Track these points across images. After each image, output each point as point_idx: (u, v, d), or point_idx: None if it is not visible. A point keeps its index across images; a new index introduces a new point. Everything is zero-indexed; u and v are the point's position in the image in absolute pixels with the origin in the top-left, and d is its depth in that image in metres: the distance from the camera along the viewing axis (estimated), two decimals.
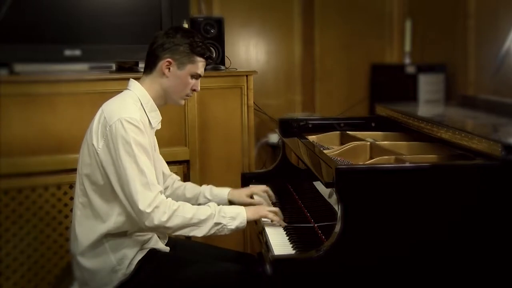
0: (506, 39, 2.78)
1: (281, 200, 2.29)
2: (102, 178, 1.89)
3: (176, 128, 2.80)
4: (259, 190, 2.28)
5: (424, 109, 2.97)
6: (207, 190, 2.22)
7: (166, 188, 2.22)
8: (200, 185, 2.27)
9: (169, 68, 1.97)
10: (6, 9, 2.48)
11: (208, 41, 2.76)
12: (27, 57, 2.57)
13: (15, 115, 2.48)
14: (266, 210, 2.02)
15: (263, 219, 2.05)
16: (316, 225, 1.97)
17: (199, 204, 2.14)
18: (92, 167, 1.90)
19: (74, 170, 2.05)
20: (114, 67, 2.75)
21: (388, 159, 1.97)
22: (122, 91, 2.02)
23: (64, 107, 2.56)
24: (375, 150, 2.20)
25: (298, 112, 3.74)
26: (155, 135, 2.08)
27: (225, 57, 3.01)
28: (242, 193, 2.24)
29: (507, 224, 1.68)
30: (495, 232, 1.68)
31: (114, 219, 1.90)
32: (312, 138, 2.47)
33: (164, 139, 2.38)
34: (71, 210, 2.40)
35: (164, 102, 2.04)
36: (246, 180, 2.59)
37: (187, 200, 2.18)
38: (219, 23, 2.99)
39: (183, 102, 2.07)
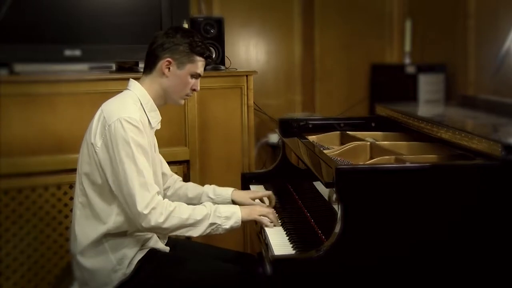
0: (506, 39, 2.78)
1: (281, 200, 2.29)
2: (101, 177, 1.89)
3: (176, 128, 2.80)
4: (262, 195, 2.23)
5: (424, 109, 2.97)
6: (210, 189, 2.22)
7: (167, 188, 2.22)
8: (201, 185, 2.27)
9: (169, 68, 1.97)
10: (6, 9, 2.48)
11: (208, 41, 2.76)
12: (27, 57, 2.57)
13: (15, 115, 2.48)
14: (259, 213, 2.01)
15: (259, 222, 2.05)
16: (316, 225, 1.97)
17: (195, 206, 2.15)
18: (91, 167, 1.91)
19: (74, 170, 2.05)
20: (114, 67, 2.75)
21: (388, 159, 1.97)
22: (122, 91, 2.03)
23: (64, 107, 2.56)
24: (375, 150, 2.20)
25: (298, 112, 3.74)
26: (155, 135, 2.08)
27: (225, 57, 3.01)
28: (245, 195, 2.21)
29: (507, 224, 1.68)
30: (495, 232, 1.68)
31: (113, 218, 1.90)
32: (312, 138, 2.47)
33: (164, 139, 2.38)
34: (71, 210, 2.40)
35: (164, 102, 2.04)
36: (246, 180, 2.59)
37: (189, 200, 2.19)
38: (219, 23, 2.98)
39: (182, 102, 2.07)
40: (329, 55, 3.76)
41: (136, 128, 1.86)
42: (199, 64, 2.01)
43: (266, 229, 1.98)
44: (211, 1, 3.45)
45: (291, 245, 1.84)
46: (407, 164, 1.80)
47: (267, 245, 1.87)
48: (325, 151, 2.14)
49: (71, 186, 2.54)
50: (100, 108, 1.95)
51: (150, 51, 2.00)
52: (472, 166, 1.74)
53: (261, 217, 2.01)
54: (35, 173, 2.51)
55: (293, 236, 1.90)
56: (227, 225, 1.92)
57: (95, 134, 1.89)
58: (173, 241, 2.18)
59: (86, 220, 1.93)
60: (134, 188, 1.82)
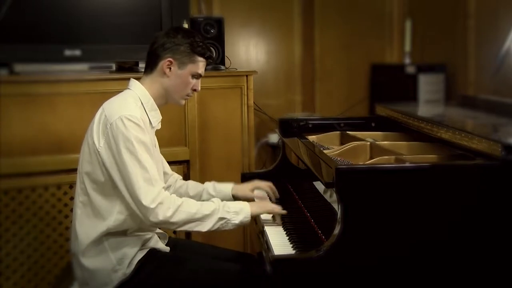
0: (506, 39, 2.78)
1: (281, 200, 2.29)
2: (103, 176, 1.90)
3: (176, 128, 2.80)
4: (264, 185, 2.29)
5: (424, 109, 2.97)
6: (210, 186, 2.24)
7: (168, 187, 2.23)
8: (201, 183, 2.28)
9: (170, 68, 1.98)
10: (6, 9, 2.48)
11: (208, 41, 2.76)
12: (27, 57, 2.57)
13: (15, 115, 2.48)
14: (269, 209, 2.03)
15: (262, 219, 2.06)
16: (316, 225, 1.97)
17: (203, 201, 2.16)
18: (92, 166, 1.91)
19: (74, 170, 2.05)
20: (114, 67, 2.75)
21: (388, 159, 1.97)
22: (122, 91, 2.03)
23: (64, 107, 2.56)
24: (375, 150, 2.20)
25: (298, 112, 3.74)
26: (155, 135, 2.09)
27: (225, 57, 3.01)
28: (245, 188, 2.26)
29: (507, 224, 1.68)
30: (495, 232, 1.68)
31: (114, 217, 1.90)
32: (312, 138, 2.47)
33: (164, 139, 2.38)
34: (71, 210, 2.40)
35: (164, 102, 2.05)
36: (246, 180, 2.58)
37: (190, 197, 2.19)
38: (219, 23, 2.99)
39: (183, 102, 2.07)
40: (329, 55, 3.76)
41: (137, 125, 1.87)
42: (200, 65, 2.01)
43: (266, 229, 1.98)
44: (211, 1, 3.45)
45: (291, 245, 1.84)
46: (407, 164, 1.80)
47: (267, 245, 1.87)
48: (325, 151, 2.14)
49: (71, 186, 2.54)
50: (101, 107, 1.96)
51: (151, 51, 2.00)
52: (472, 166, 1.74)
53: (272, 207, 2.03)
54: (35, 173, 2.51)
55: (293, 236, 1.90)
56: (237, 220, 1.93)
57: (97, 133, 1.90)
58: (173, 241, 2.18)
59: (87, 219, 1.93)
60: (139, 184, 1.82)
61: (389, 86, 3.56)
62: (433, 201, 1.66)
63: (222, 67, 2.99)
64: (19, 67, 2.54)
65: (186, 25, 2.84)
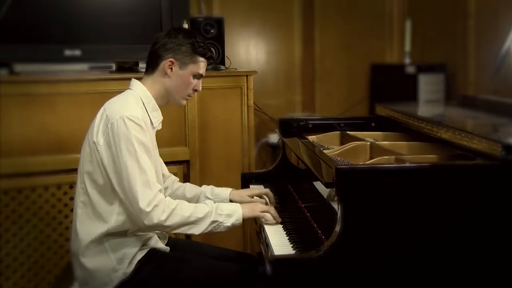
0: (506, 39, 2.78)
1: (281, 200, 2.29)
2: (103, 176, 1.90)
3: (176, 128, 2.80)
4: (261, 194, 2.25)
5: (424, 109, 2.97)
6: (208, 190, 2.23)
7: (166, 189, 2.23)
8: (200, 185, 2.27)
9: (172, 68, 1.98)
10: (6, 9, 2.48)
11: (208, 41, 2.76)
12: (27, 57, 2.57)
13: (15, 115, 2.48)
14: (261, 210, 2.02)
15: (261, 220, 2.05)
16: (316, 225, 1.97)
17: (197, 204, 2.15)
18: (93, 165, 1.91)
19: (74, 170, 2.05)
20: (114, 67, 2.75)
21: (388, 159, 1.97)
22: (122, 91, 2.03)
23: (64, 107, 2.56)
24: (375, 150, 2.20)
25: (298, 112, 3.74)
26: (155, 135, 2.09)
27: (225, 57, 3.01)
28: (243, 194, 2.24)
29: (507, 224, 1.68)
30: (495, 232, 1.68)
31: (114, 218, 1.90)
32: (312, 138, 2.47)
33: (164, 139, 2.38)
34: (71, 210, 2.41)
35: (165, 102, 2.05)
36: (246, 180, 2.59)
37: (188, 200, 2.18)
38: (219, 23, 2.99)
39: (184, 102, 2.08)
40: (329, 55, 3.76)
41: (138, 126, 1.87)
42: (201, 65, 2.02)
43: (266, 229, 1.98)
44: (211, 1, 3.45)
45: (291, 245, 1.84)
46: (407, 164, 1.80)
47: (267, 245, 1.87)
48: (325, 151, 2.14)
49: (71, 186, 2.54)
50: (103, 107, 1.96)
51: (152, 51, 2.01)
52: (472, 166, 1.74)
53: (263, 213, 2.02)
54: (35, 173, 2.51)
55: (293, 236, 1.90)
56: (229, 222, 1.93)
57: (97, 132, 1.90)
58: (173, 241, 2.18)
59: (87, 219, 1.93)
60: (136, 186, 1.82)
61: (389, 86, 3.56)
62: (433, 201, 1.66)
63: (222, 67, 2.99)
64: (19, 67, 2.55)
65: (186, 25, 2.84)
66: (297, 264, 1.64)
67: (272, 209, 2.05)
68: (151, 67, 2.01)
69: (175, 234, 2.64)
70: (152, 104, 2.00)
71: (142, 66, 2.75)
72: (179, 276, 1.95)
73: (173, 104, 2.07)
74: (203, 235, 1.96)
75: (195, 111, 2.84)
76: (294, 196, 2.34)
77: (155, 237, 2.05)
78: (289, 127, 2.63)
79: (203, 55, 2.01)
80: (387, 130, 2.52)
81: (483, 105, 2.59)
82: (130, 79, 2.05)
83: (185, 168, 2.83)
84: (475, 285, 1.71)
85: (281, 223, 2.03)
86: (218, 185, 2.27)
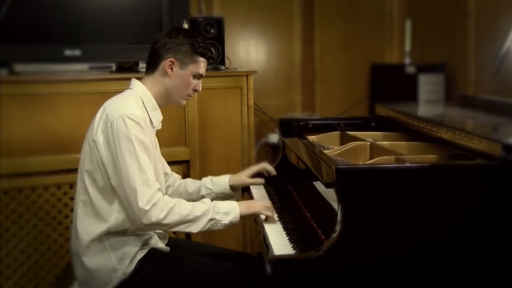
0: (506, 39, 2.78)
1: (281, 200, 2.29)
2: (102, 175, 1.90)
3: (176, 128, 2.80)
4: (259, 169, 2.30)
5: (424, 109, 2.97)
6: (208, 180, 2.25)
7: (168, 187, 2.24)
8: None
9: (172, 68, 1.98)
10: (6, 9, 2.48)
11: (208, 41, 2.76)
12: (27, 57, 2.57)
13: (15, 115, 2.48)
14: (259, 206, 2.03)
15: (262, 216, 2.05)
16: (316, 225, 1.97)
17: (202, 196, 2.20)
18: (93, 164, 1.91)
19: (74, 170, 2.05)
20: (114, 67, 2.75)
21: (388, 159, 1.97)
22: (122, 91, 2.03)
23: (64, 107, 2.56)
24: (375, 150, 2.20)
25: (298, 112, 3.74)
26: (156, 135, 2.09)
27: (225, 57, 3.01)
28: (242, 176, 2.27)
29: (507, 224, 1.68)
30: (495, 232, 1.68)
31: (114, 216, 1.91)
32: (312, 138, 2.47)
33: (164, 139, 2.38)
34: (71, 210, 2.41)
35: (165, 102, 2.05)
36: None
37: (190, 195, 2.21)
38: (219, 23, 2.99)
39: (184, 102, 2.08)
40: (329, 55, 3.76)
41: (138, 125, 1.87)
42: (201, 65, 2.02)
43: (266, 228, 1.98)
44: (211, 1, 3.45)
45: (291, 245, 1.84)
46: (407, 164, 1.80)
47: (267, 245, 1.87)
48: (325, 151, 2.14)
49: (71, 186, 2.54)
50: (103, 106, 1.96)
51: (153, 51, 2.01)
52: (472, 166, 1.74)
53: (260, 208, 2.03)
54: (35, 173, 2.51)
55: (293, 236, 1.90)
56: (226, 220, 1.94)
57: (96, 131, 1.90)
58: (173, 241, 2.18)
59: (88, 218, 1.93)
60: (135, 185, 1.83)
61: (389, 86, 3.56)
62: (433, 201, 1.66)
63: (222, 67, 2.99)
64: (19, 67, 2.55)
65: (186, 25, 2.84)
66: (297, 264, 1.64)
67: (268, 206, 2.06)
68: (151, 67, 2.02)
69: (175, 234, 2.65)
70: (152, 103, 2.00)
71: (142, 66, 2.75)
72: (179, 276, 1.95)
73: (173, 104, 2.08)
74: (203, 234, 1.97)
75: (195, 111, 2.84)
76: (294, 196, 2.34)
77: (155, 237, 2.05)
78: (289, 127, 2.63)
79: (203, 55, 2.02)
80: (387, 130, 2.52)
81: (483, 105, 2.59)
82: (130, 79, 2.06)
83: (185, 168, 2.83)
84: (475, 285, 1.71)
85: (281, 223, 2.03)
86: None
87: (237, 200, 2.13)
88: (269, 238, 1.90)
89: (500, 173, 1.68)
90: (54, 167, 2.54)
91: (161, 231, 2.12)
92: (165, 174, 2.21)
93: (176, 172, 2.32)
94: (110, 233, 1.92)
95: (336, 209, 1.66)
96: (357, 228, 1.63)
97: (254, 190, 2.38)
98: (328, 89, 3.77)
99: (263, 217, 2.04)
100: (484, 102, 2.64)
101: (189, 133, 2.84)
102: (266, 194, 2.37)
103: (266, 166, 2.33)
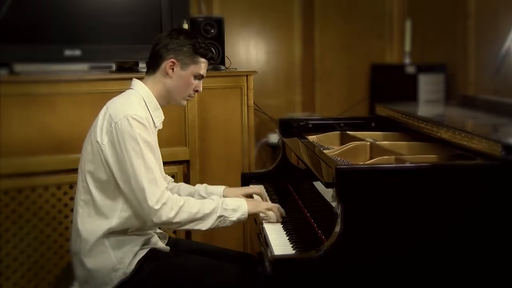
0: (506, 39, 2.78)
1: (281, 200, 2.29)
2: (106, 174, 1.90)
3: (176, 128, 2.80)
4: (255, 191, 2.26)
5: (424, 109, 2.97)
6: (202, 188, 2.23)
7: None
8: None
9: (173, 69, 1.99)
10: (6, 9, 2.48)
11: (208, 41, 2.75)
12: (27, 57, 2.57)
13: (15, 115, 2.48)
14: (265, 207, 2.04)
15: (261, 216, 2.06)
16: (316, 225, 1.97)
17: (202, 199, 2.16)
18: (95, 164, 1.91)
19: (74, 170, 2.05)
20: (114, 67, 2.75)
21: (388, 159, 1.97)
22: (122, 91, 2.04)
23: (64, 107, 2.56)
24: (375, 150, 2.20)
25: (298, 112, 3.74)
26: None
27: (225, 57, 3.01)
28: (237, 192, 2.24)
29: (507, 224, 1.68)
30: (495, 232, 1.68)
31: (118, 215, 1.91)
32: (312, 138, 2.47)
33: (164, 139, 2.38)
34: (71, 210, 2.41)
35: (166, 102, 2.06)
36: (246, 180, 2.60)
37: None
38: (219, 23, 2.99)
39: (185, 102, 2.09)
40: (329, 55, 3.76)
41: (142, 125, 1.88)
42: (202, 65, 2.03)
43: (266, 228, 1.98)
44: (211, 1, 3.45)
45: (291, 245, 1.84)
46: (407, 164, 1.80)
47: (267, 245, 1.87)
48: (325, 151, 2.14)
49: (71, 186, 2.54)
50: (105, 106, 1.97)
51: (154, 52, 2.02)
52: (472, 166, 1.74)
53: (267, 210, 2.03)
54: (35, 173, 2.51)
55: (293, 236, 1.90)
56: (234, 217, 1.94)
57: (100, 131, 1.90)
58: (173, 241, 2.19)
59: (88, 217, 1.93)
60: (143, 184, 1.83)
61: (389, 86, 3.56)
62: (433, 201, 1.66)
63: (222, 67, 2.99)
64: (19, 67, 2.54)
65: (186, 25, 2.83)
66: (297, 264, 1.64)
67: (276, 207, 2.06)
68: (152, 68, 2.02)
69: (175, 233, 2.65)
70: (154, 103, 2.01)
71: (142, 66, 2.76)
72: (179, 276, 1.96)
73: (174, 104, 2.08)
74: (204, 234, 1.97)
75: (195, 111, 2.84)
76: (294, 196, 2.34)
77: (156, 237, 2.05)
78: (289, 127, 2.63)
79: (204, 56, 2.02)
80: (387, 130, 2.52)
81: (483, 105, 2.59)
82: (130, 79, 2.06)
83: (185, 168, 2.83)
84: (475, 285, 1.71)
85: (281, 223, 2.03)
86: (218, 185, 2.27)
87: None
88: (269, 238, 1.90)
89: (500, 173, 1.68)
90: (54, 167, 2.53)
91: (161, 231, 2.13)
92: None
93: (176, 172, 2.33)
94: (111, 233, 1.92)
95: (336, 209, 1.66)
96: (357, 228, 1.63)
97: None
98: (328, 89, 3.77)
99: (262, 215, 2.05)
100: (484, 102, 2.64)
101: (189, 133, 2.84)
102: (266, 194, 2.37)
103: (262, 193, 2.28)
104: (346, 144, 2.28)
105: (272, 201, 2.28)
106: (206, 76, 2.11)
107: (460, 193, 1.68)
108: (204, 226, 1.92)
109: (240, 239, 3.01)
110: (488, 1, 3.02)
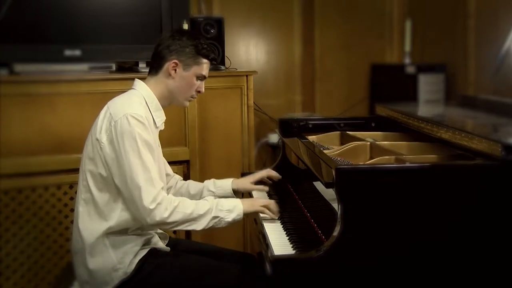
0: (506, 39, 2.78)
1: (281, 200, 2.29)
2: (106, 173, 1.90)
3: (176, 128, 2.80)
4: (263, 177, 2.30)
5: (424, 109, 2.97)
6: (211, 183, 2.25)
7: (169, 188, 2.24)
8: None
9: (175, 69, 2.00)
10: (6, 9, 2.48)
11: (208, 41, 2.76)
12: (27, 57, 2.57)
13: (15, 115, 2.48)
14: (261, 204, 2.04)
15: (261, 216, 2.06)
16: (316, 225, 1.97)
17: (198, 200, 2.16)
18: (96, 163, 1.92)
19: (74, 170, 2.06)
20: (114, 67, 2.75)
21: (388, 159, 1.97)
22: (122, 91, 2.04)
23: (64, 107, 2.56)
24: (375, 150, 2.20)
25: (298, 112, 3.74)
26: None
27: (225, 57, 3.01)
28: (246, 181, 2.28)
29: (507, 224, 1.68)
30: (495, 232, 1.68)
31: (118, 214, 1.91)
32: (312, 138, 2.47)
33: (164, 139, 2.37)
34: (71, 210, 2.41)
35: (168, 103, 2.06)
36: None
37: (192, 196, 2.21)
38: (219, 23, 2.99)
39: (187, 103, 2.09)
40: (329, 55, 3.76)
41: (142, 124, 1.88)
42: (205, 66, 2.04)
43: (266, 228, 1.98)
44: (211, 1, 3.45)
45: (291, 245, 1.84)
46: (407, 164, 1.80)
47: (267, 245, 1.87)
48: (325, 151, 2.14)
49: (71, 186, 2.54)
50: (106, 105, 1.97)
51: (156, 52, 2.02)
52: (472, 166, 1.74)
53: (263, 207, 2.03)
54: (35, 173, 2.51)
55: (293, 236, 1.90)
56: (230, 218, 1.94)
57: (100, 130, 1.91)
58: (174, 241, 2.19)
59: (89, 217, 1.94)
60: (139, 183, 1.83)
61: (389, 86, 3.56)
62: (433, 201, 1.66)
63: (222, 67, 2.99)
64: (19, 67, 2.55)
65: (186, 25, 2.84)
66: (297, 264, 1.64)
67: (272, 204, 2.06)
68: (155, 69, 2.03)
69: (175, 234, 2.65)
70: (155, 104, 2.01)
71: (142, 66, 2.76)
72: (179, 276, 1.96)
73: (176, 105, 2.09)
74: (204, 234, 1.97)
75: (195, 111, 2.84)
76: (294, 196, 2.34)
77: (156, 237, 2.05)
78: (289, 127, 2.63)
79: (206, 57, 2.03)
80: (387, 130, 2.52)
81: (483, 105, 2.59)
82: (130, 79, 2.07)
83: (185, 168, 2.83)
84: (475, 285, 1.71)
85: (281, 223, 2.03)
86: None
87: None
88: (269, 238, 1.90)
89: (500, 173, 1.68)
90: (54, 167, 2.53)
91: (162, 231, 2.13)
92: (167, 175, 2.22)
93: (176, 172, 2.32)
94: (111, 233, 1.92)
95: (336, 209, 1.66)
96: (357, 228, 1.63)
97: (254, 193, 2.38)
98: (328, 89, 3.77)
99: (262, 215, 2.05)
100: (484, 102, 2.64)
101: (189, 133, 2.84)
102: (266, 194, 2.37)
103: (270, 172, 2.32)
104: (346, 144, 2.28)
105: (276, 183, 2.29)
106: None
107: (460, 193, 1.68)
108: (199, 226, 1.92)
109: (240, 239, 3.01)
110: (488, 1, 3.02)
